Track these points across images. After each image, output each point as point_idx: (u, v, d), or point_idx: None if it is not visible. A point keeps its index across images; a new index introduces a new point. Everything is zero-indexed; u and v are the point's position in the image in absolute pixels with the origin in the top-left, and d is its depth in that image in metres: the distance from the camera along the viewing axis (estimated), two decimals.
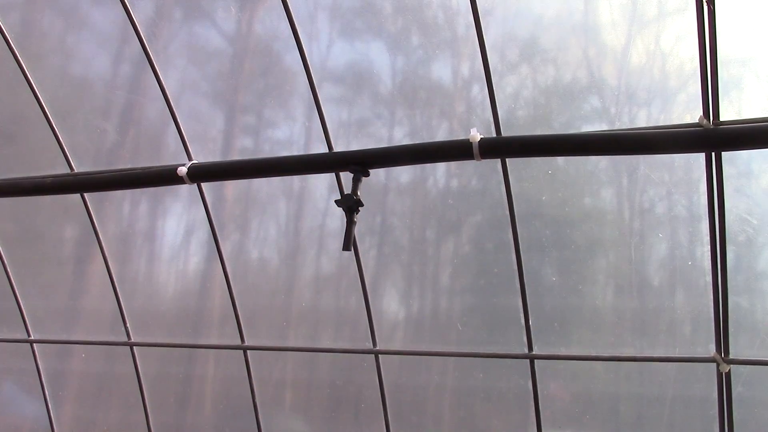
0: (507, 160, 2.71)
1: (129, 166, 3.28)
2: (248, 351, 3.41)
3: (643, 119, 2.63)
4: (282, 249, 3.44)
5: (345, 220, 2.42)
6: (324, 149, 2.93)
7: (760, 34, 2.40)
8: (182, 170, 2.81)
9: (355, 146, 2.94)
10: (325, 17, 2.96)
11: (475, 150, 2.35)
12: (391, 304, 3.25)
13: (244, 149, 3.32)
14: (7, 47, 3.31)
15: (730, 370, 2.58)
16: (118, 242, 3.57)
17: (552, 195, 2.82)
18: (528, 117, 2.73)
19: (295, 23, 2.80)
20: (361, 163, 2.54)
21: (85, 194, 3.44)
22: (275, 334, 3.43)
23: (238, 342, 3.39)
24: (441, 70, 2.87)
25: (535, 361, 2.90)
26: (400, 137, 2.99)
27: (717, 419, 2.61)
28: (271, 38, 3.08)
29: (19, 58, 3.32)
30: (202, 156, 3.17)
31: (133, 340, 3.61)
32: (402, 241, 3.22)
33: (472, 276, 3.14)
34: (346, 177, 2.70)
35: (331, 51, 2.96)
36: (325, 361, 3.41)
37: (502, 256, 2.87)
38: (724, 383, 2.61)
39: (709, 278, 2.51)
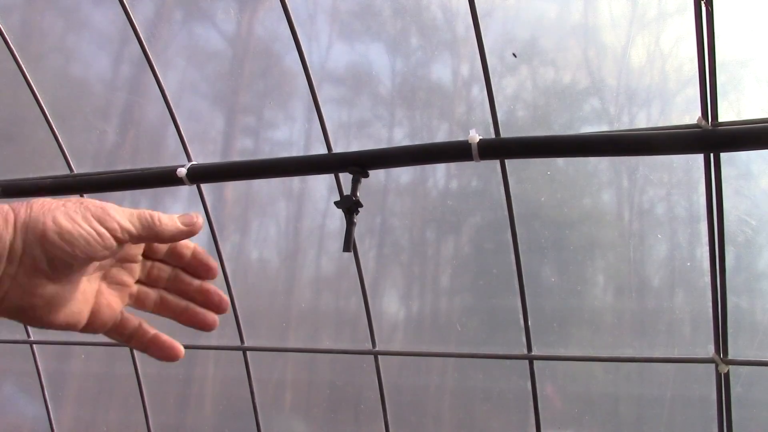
0: (506, 161, 2.71)
1: (129, 167, 3.28)
2: (248, 352, 3.42)
3: (642, 120, 2.63)
4: (282, 250, 3.44)
5: (345, 220, 2.42)
6: (324, 150, 2.94)
7: (760, 36, 2.40)
8: (182, 171, 2.81)
9: (354, 147, 2.94)
10: (324, 19, 2.96)
11: (474, 151, 2.35)
12: (390, 305, 3.25)
13: (243, 150, 3.32)
14: (13, 46, 3.32)
15: (729, 370, 2.58)
16: None
17: (551, 196, 2.82)
18: (528, 118, 2.73)
19: (294, 25, 2.80)
20: (359, 164, 2.54)
21: (85, 195, 3.45)
22: (275, 334, 3.43)
23: (238, 343, 3.40)
24: (440, 71, 2.88)
25: (535, 361, 2.91)
26: (400, 138, 2.99)
27: (722, 419, 2.61)
28: (271, 39, 3.08)
29: (19, 59, 3.32)
30: (201, 157, 3.17)
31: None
32: (402, 242, 3.22)
33: (471, 276, 3.14)
34: (346, 178, 2.70)
35: (330, 52, 2.96)
36: (325, 362, 3.41)
37: (502, 257, 2.88)
38: (729, 383, 2.61)
39: (709, 279, 2.52)
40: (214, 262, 1.10)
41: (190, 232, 1.00)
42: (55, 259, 0.80)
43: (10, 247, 0.78)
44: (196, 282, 1.08)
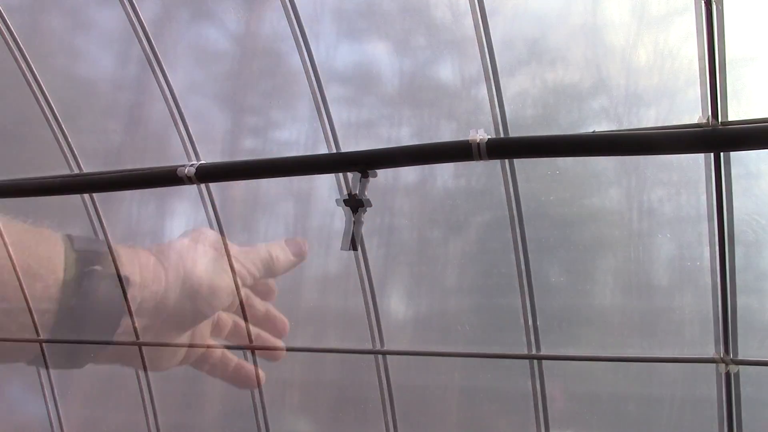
0: (511, 160, 2.72)
1: (136, 166, 3.30)
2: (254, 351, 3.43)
3: (649, 119, 2.63)
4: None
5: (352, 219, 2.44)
6: (330, 150, 2.95)
7: (765, 34, 2.41)
8: (189, 170, 2.82)
9: (361, 147, 2.95)
10: (330, 18, 2.96)
11: (478, 150, 2.36)
12: (396, 305, 3.26)
13: (249, 150, 3.33)
14: (13, 47, 3.34)
15: (736, 370, 2.59)
16: (124, 242, 3.59)
17: (557, 195, 2.82)
18: (534, 117, 2.74)
19: (301, 24, 2.82)
20: (362, 163, 2.55)
21: (93, 194, 3.47)
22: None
23: (245, 342, 3.41)
24: (446, 71, 2.88)
25: (540, 361, 2.91)
26: (406, 138, 2.99)
27: (723, 420, 2.62)
28: (277, 39, 3.09)
29: (27, 58, 3.34)
30: (208, 156, 3.18)
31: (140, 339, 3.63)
32: (407, 242, 3.23)
33: (477, 276, 3.15)
34: (354, 177, 2.72)
35: (336, 52, 2.97)
36: (331, 362, 3.42)
37: (508, 256, 2.88)
38: (730, 384, 2.62)
39: (715, 278, 2.52)
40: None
41: (299, 261, 1.06)
42: (204, 311, 0.85)
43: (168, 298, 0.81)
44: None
